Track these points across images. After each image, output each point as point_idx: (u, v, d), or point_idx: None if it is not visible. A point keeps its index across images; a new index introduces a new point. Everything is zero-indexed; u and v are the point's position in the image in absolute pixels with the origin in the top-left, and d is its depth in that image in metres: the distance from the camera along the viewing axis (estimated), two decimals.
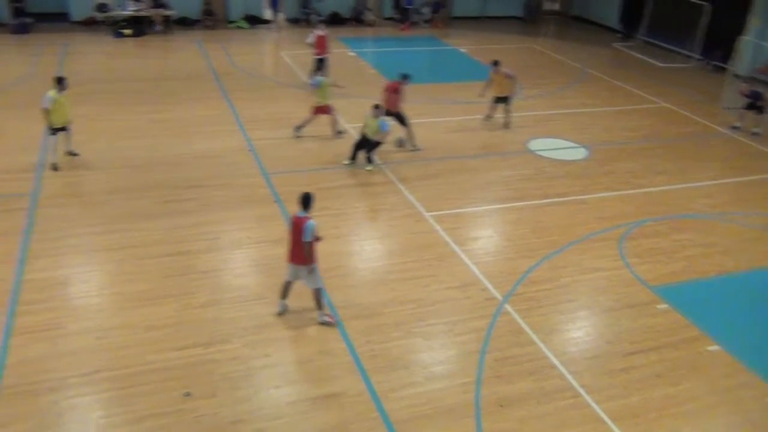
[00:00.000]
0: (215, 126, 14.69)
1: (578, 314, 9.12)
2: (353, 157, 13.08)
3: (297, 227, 8.03)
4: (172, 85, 17.38)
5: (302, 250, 8.06)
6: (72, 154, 12.61)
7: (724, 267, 10.39)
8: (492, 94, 15.43)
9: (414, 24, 26.16)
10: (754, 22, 20.87)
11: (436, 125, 15.58)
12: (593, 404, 7.47)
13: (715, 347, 8.52)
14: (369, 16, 26.36)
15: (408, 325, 8.56)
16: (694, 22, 22.46)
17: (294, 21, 25.60)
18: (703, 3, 21.98)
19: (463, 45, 23.81)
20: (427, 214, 11.34)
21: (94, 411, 6.93)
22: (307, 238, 7.94)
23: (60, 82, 11.95)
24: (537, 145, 14.74)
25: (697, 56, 22.65)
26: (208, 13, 24.15)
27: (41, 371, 7.35)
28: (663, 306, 9.28)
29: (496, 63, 15.27)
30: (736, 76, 19.35)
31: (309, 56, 20.75)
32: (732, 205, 12.53)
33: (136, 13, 22.76)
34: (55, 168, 12.08)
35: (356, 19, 26.13)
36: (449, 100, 17.35)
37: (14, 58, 19.46)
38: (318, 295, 8.45)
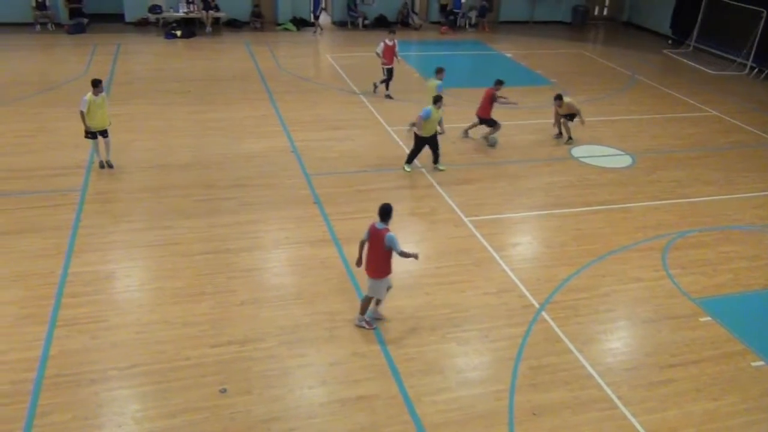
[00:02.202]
0: (259, 127, 14.92)
1: (617, 324, 8.95)
2: (410, 161, 13.11)
3: (376, 239, 7.94)
4: (219, 85, 17.73)
5: (380, 262, 8.00)
6: (108, 165, 12.37)
7: None
8: (562, 112, 14.95)
9: (456, 27, 26.07)
10: None
11: (478, 130, 15.47)
12: (630, 416, 7.33)
13: (759, 363, 8.25)
14: (415, 20, 26.40)
15: (443, 329, 8.54)
16: (749, 29, 21.80)
17: (341, 24, 25.82)
18: (759, 9, 21.31)
19: (509, 50, 23.63)
20: (466, 219, 11.29)
21: (132, 404, 7.11)
22: (399, 249, 7.85)
23: (95, 84, 11.83)
24: (581, 151, 14.53)
25: (751, 63, 21.98)
26: (257, 15, 24.57)
27: (83, 363, 7.58)
28: (705, 319, 9.04)
29: (559, 97, 14.80)
30: None
31: (353, 59, 20.87)
32: None
33: (187, 15, 23.31)
34: (103, 166, 12.34)
35: (402, 23, 26.19)
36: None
37: (70, 57, 20.13)
38: (368, 302, 8.41)
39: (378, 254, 7.98)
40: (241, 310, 8.66)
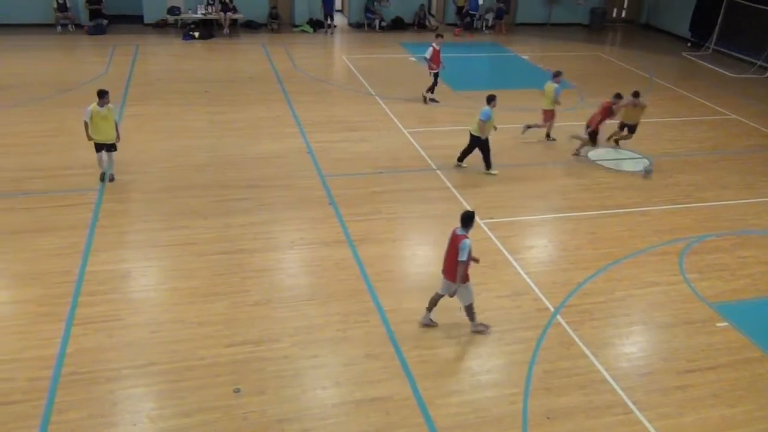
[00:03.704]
0: (275, 128, 14.98)
1: (633, 329, 8.87)
2: (461, 159, 13.26)
3: (453, 243, 8.02)
4: (236, 86, 17.83)
5: (455, 266, 8.03)
6: (110, 179, 11.84)
7: None
8: (621, 119, 14.66)
9: (473, 29, 26.00)
10: None
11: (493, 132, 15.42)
12: (645, 421, 7.26)
13: None
14: (431, 22, 26.38)
15: (457, 332, 8.52)
16: None
17: (357, 26, 25.87)
18: None
19: (525, 52, 23.54)
20: (481, 222, 11.24)
21: (147, 402, 7.16)
22: (462, 258, 7.86)
23: (101, 95, 11.29)
24: (597, 154, 14.43)
25: None
26: (274, 16, 24.68)
27: (99, 361, 7.65)
28: (723, 324, 8.94)
29: (636, 94, 14.47)
30: None
31: (370, 60, 20.91)
32: None
33: (205, 17, 23.49)
34: (104, 179, 11.78)
35: (418, 24, 26.18)
36: (508, 107, 17.13)
37: (90, 58, 20.36)
38: (471, 308, 8.39)
39: (454, 258, 8.02)
40: (255, 310, 8.70)
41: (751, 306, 9.44)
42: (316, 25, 25.07)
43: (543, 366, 8.01)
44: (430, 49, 16.55)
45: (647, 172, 13.52)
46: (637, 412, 7.38)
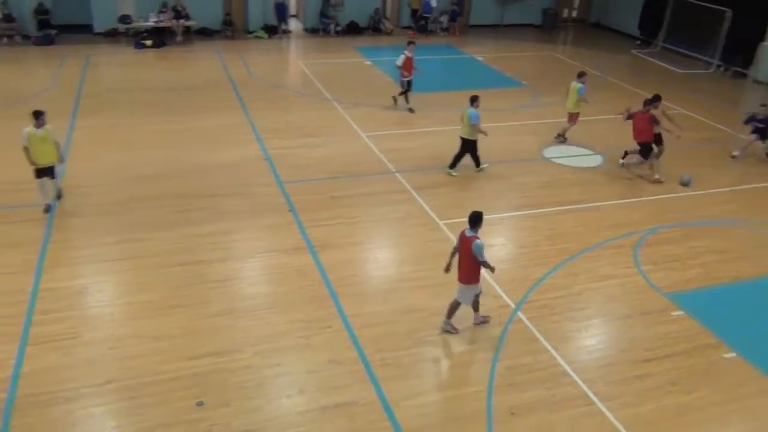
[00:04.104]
0: (232, 135, 14.84)
1: (591, 322, 9.04)
2: (453, 165, 13.32)
3: (465, 245, 8.06)
4: (191, 95, 17.61)
5: (469, 268, 8.07)
6: (57, 196, 11.30)
7: (740, 273, 10.25)
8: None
9: (428, 32, 26.16)
10: None
11: (451, 133, 15.53)
12: (606, 412, 7.41)
13: (731, 354, 8.40)
14: (386, 25, 26.48)
15: (420, 333, 8.56)
16: (714, 28, 22.20)
17: (313, 31, 25.80)
18: (724, 9, 21.72)
19: (480, 53, 23.80)
20: (441, 222, 11.33)
21: (107, 421, 7.01)
22: (483, 258, 7.94)
23: (36, 116, 10.57)
24: (552, 152, 14.68)
25: (717, 62, 22.39)
26: (228, 23, 24.46)
27: (55, 381, 7.46)
28: (678, 313, 9.18)
29: (656, 98, 13.56)
30: (757, 82, 19.07)
31: (326, 65, 20.89)
32: (748, 212, 12.36)
33: (158, 25, 23.13)
34: (48, 210, 11.00)
35: (373, 28, 26.25)
36: (464, 108, 17.29)
37: (38, 69, 19.86)
38: (456, 307, 8.47)
39: (467, 260, 8.08)
40: (216, 321, 8.60)
41: (703, 294, 9.71)
42: (271, 30, 24.94)
43: (505, 362, 8.11)
44: (402, 56, 16.49)
45: (686, 184, 13.24)
46: (598, 403, 7.52)
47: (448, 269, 8.50)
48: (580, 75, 15.03)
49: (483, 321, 8.78)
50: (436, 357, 8.21)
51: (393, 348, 8.26)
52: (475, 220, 8.07)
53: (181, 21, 23.24)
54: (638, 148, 13.42)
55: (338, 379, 7.71)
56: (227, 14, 24.53)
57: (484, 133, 13.01)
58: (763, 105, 14.40)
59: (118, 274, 9.56)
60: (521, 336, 8.60)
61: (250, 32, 24.91)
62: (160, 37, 22.92)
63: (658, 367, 8.16)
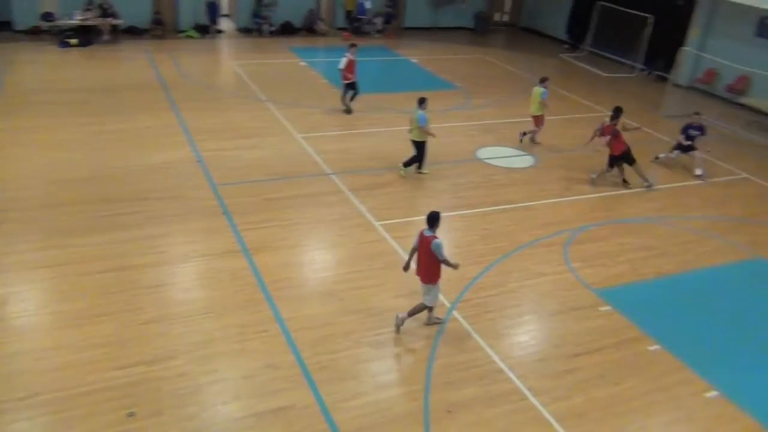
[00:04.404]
0: (163, 137, 14.47)
1: (524, 318, 9.28)
2: (408, 164, 13.40)
3: (424, 245, 8.18)
4: (119, 95, 17.05)
5: (430, 267, 8.18)
6: None
7: (664, 269, 10.71)
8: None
9: (362, 33, 26.22)
10: (694, 33, 21.62)
11: (386, 135, 15.67)
12: (539, 406, 7.60)
13: (655, 347, 8.77)
14: (321, 26, 26.39)
15: (356, 334, 8.57)
16: (637, 34, 23.12)
17: (246, 31, 25.45)
18: (646, 15, 22.65)
19: (414, 55, 24.02)
20: (376, 224, 11.38)
21: None
22: (443, 257, 8.10)
23: None
24: (485, 153, 14.96)
25: (640, 66, 23.33)
26: (158, 22, 23.82)
27: None
28: (606, 308, 9.51)
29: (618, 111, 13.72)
30: (676, 85, 19.97)
31: (259, 66, 20.65)
32: (672, 209, 12.94)
33: (83, 23, 22.29)
34: None
35: (308, 29, 26.11)
36: (399, 109, 17.46)
37: None
38: (421, 308, 8.57)
39: (427, 260, 8.19)
40: (148, 328, 8.37)
41: (630, 289, 10.10)
42: (203, 30, 24.45)
43: (442, 361, 8.21)
44: (344, 59, 16.30)
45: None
46: (531, 398, 7.71)
47: (406, 268, 8.63)
48: (543, 80, 15.39)
49: (436, 321, 8.87)
50: (373, 358, 8.23)
51: (330, 350, 8.24)
52: (433, 219, 8.27)
53: (108, 19, 22.48)
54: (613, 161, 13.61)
55: (275, 384, 7.63)
56: (156, 13, 23.90)
57: (432, 135, 13.13)
58: (696, 113, 14.71)
59: (43, 282, 9.17)
60: (457, 334, 8.73)
61: (181, 31, 24.35)
62: (86, 35, 22.10)
63: (588, 361, 8.43)
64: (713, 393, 8.03)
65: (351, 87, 16.61)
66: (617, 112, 13.66)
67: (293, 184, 12.68)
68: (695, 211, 13.00)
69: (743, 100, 19.72)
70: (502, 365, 8.21)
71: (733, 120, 18.73)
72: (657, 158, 15.17)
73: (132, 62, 20.37)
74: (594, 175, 13.80)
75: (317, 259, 10.43)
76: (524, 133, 15.70)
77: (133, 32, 23.58)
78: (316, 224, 11.36)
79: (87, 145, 13.76)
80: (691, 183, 14.21)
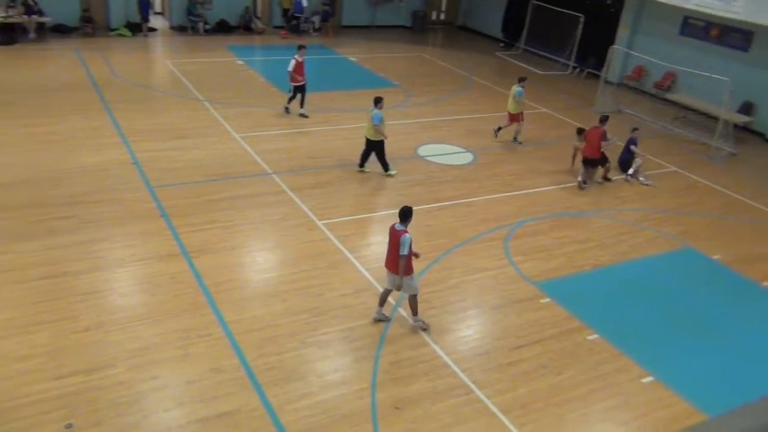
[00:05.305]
0: (96, 139, 14.00)
1: (468, 313, 9.42)
2: (362, 164, 13.42)
3: (394, 239, 8.35)
4: (49, 96, 16.40)
5: (398, 260, 8.31)
6: None
7: (600, 260, 11.06)
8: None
9: (300, 32, 26.04)
10: (623, 32, 22.39)
11: (327, 133, 15.62)
12: (484, 399, 7.74)
13: (594, 336, 9.05)
14: (257, 25, 26.06)
15: (302, 335, 8.52)
16: (570, 33, 23.77)
17: (180, 29, 24.88)
18: (578, 14, 23.29)
19: (353, 54, 24.01)
20: (319, 223, 11.33)
21: None
22: (403, 252, 8.20)
23: None
24: (426, 150, 15.10)
25: (573, 64, 23.99)
26: (87, 20, 23.00)
27: None
28: (546, 300, 9.75)
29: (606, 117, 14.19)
30: (608, 82, 20.62)
31: (195, 65, 20.27)
32: (606, 203, 13.37)
33: (6, 20, 21.32)
34: None
35: (245, 27, 25.74)
36: (339, 108, 17.45)
37: None
38: (413, 301, 8.71)
39: (396, 252, 8.31)
40: (85, 336, 8.09)
41: (568, 281, 10.38)
42: (135, 28, 23.77)
43: (388, 358, 8.25)
44: (293, 61, 15.93)
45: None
46: (476, 391, 7.84)
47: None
48: (521, 80, 15.81)
49: (381, 319, 8.92)
50: (319, 358, 8.20)
51: (276, 352, 8.16)
52: (405, 214, 8.43)
53: (34, 17, 21.59)
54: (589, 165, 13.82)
55: (220, 388, 7.51)
56: (85, 10, 23.08)
57: (384, 136, 13.13)
58: (636, 129, 14.90)
59: None
60: (402, 331, 8.78)
61: (113, 30, 23.61)
62: (10, 34, 21.14)
63: (530, 352, 8.63)
64: (649, 378, 8.35)
65: (300, 90, 16.22)
66: (605, 119, 14.10)
67: (233, 184, 12.49)
68: (628, 204, 13.47)
69: (670, 96, 20.54)
70: (447, 360, 8.32)
71: (662, 115, 19.51)
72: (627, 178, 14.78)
73: (61, 62, 19.62)
74: (599, 180, 14.21)
75: (260, 260, 10.31)
76: (499, 129, 16.09)
77: (61, 30, 22.72)
78: (258, 225, 11.22)
79: (17, 148, 13.19)
80: (623, 177, 14.68)
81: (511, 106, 15.89)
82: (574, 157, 14.69)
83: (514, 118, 15.94)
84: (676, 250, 11.73)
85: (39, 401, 7.05)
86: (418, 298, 8.86)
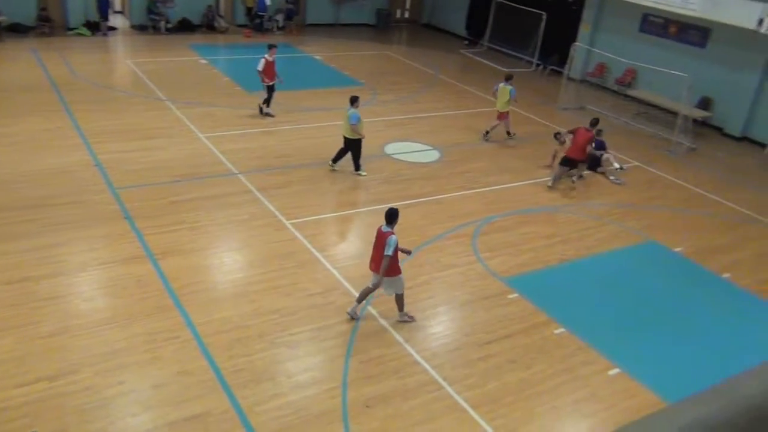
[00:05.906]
0: (56, 141, 13.69)
1: (437, 310, 9.46)
2: (335, 160, 13.40)
3: (380, 240, 8.43)
4: (5, 97, 15.96)
5: (383, 260, 8.34)
6: None
7: (565, 255, 11.22)
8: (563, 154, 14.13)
9: (263, 30, 25.85)
10: (584, 29, 22.73)
11: (292, 132, 15.54)
12: (454, 395, 7.79)
13: (561, 330, 9.17)
14: (221, 23, 25.78)
15: (271, 335, 8.46)
16: (532, 30, 24.04)
17: (141, 28, 24.47)
18: (540, 12, 23.57)
19: (318, 52, 23.91)
20: (287, 222, 11.27)
21: None
22: (388, 252, 8.26)
23: None
24: (393, 148, 15.12)
25: (536, 61, 24.27)
26: (44, 19, 22.45)
27: None
28: (513, 295, 9.86)
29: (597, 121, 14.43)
30: (570, 79, 20.93)
31: (157, 64, 19.99)
32: (571, 198, 13.56)
33: None
34: None
35: (208, 26, 25.43)
36: (304, 107, 17.36)
37: None
38: (400, 299, 8.80)
39: (381, 254, 8.35)
40: (48, 342, 7.92)
41: (535, 276, 10.51)
42: (94, 27, 23.29)
43: (359, 357, 8.24)
44: (263, 60, 15.69)
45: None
46: (447, 387, 7.89)
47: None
48: (508, 78, 16.01)
49: (353, 317, 8.92)
50: (289, 358, 8.16)
51: (245, 353, 8.09)
52: (391, 216, 8.50)
53: None
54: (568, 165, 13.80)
55: (188, 391, 7.41)
56: (42, 9, 22.53)
57: (361, 135, 13.09)
58: (600, 130, 14.73)
59: None
60: (372, 330, 8.79)
61: (71, 29, 23.09)
62: None
63: (499, 347, 8.72)
64: (615, 371, 8.50)
65: (271, 90, 16.03)
66: (596, 122, 14.30)
67: (199, 185, 12.34)
68: (592, 199, 13.69)
69: (631, 92, 20.93)
70: (417, 357, 8.35)
71: (623, 111, 19.86)
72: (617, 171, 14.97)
73: (17, 62, 19.12)
74: (574, 179, 14.21)
75: (227, 261, 10.20)
76: (487, 132, 16.21)
77: (16, 30, 22.12)
78: (224, 225, 11.10)
79: None
80: (586, 173, 14.91)
81: (500, 105, 15.97)
82: (554, 158, 14.68)
83: (503, 116, 16.04)
84: (639, 244, 11.97)
85: (2, 409, 6.87)
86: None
